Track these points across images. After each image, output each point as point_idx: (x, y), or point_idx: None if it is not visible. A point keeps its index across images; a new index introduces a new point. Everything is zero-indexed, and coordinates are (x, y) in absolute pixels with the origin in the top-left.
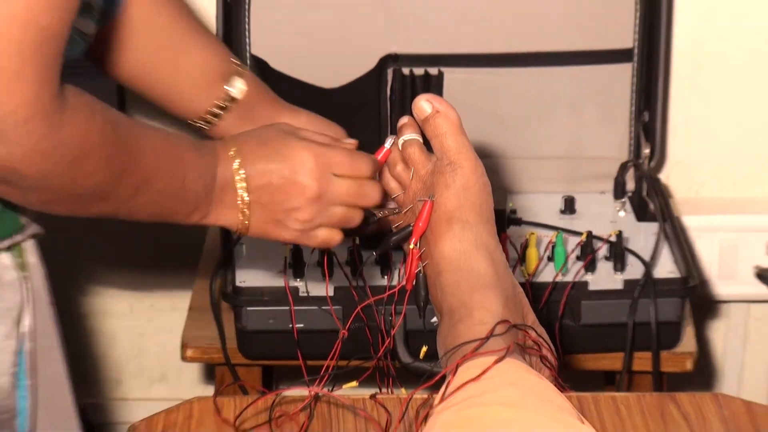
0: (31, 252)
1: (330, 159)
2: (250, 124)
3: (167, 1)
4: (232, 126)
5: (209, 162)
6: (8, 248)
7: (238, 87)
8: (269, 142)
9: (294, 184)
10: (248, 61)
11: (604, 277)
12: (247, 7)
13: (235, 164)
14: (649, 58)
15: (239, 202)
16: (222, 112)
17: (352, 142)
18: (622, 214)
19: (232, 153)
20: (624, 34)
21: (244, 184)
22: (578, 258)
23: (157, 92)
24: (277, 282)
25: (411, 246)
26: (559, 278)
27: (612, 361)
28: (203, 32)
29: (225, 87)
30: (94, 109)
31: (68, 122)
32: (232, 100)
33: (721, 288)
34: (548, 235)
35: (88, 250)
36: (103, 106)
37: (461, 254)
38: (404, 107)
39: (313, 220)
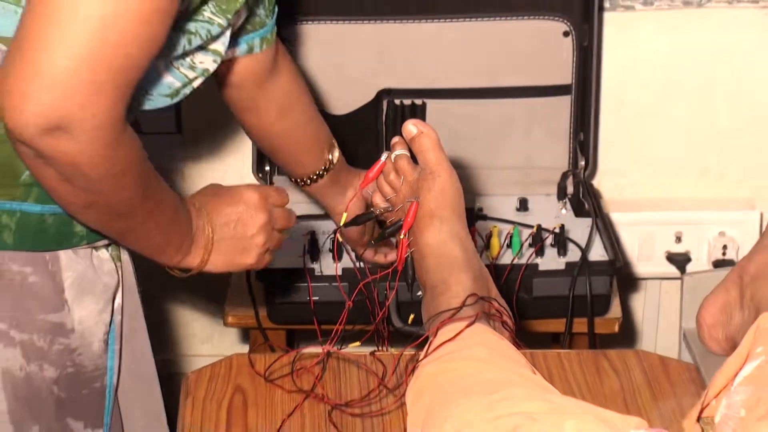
0: (123, 250)
1: (267, 193)
2: (337, 185)
3: (299, 74)
4: (326, 185)
5: (188, 213)
6: (107, 246)
7: (335, 155)
8: (219, 192)
9: (249, 216)
10: None
11: (550, 260)
12: None
13: (202, 213)
14: (583, 91)
15: (207, 241)
16: (324, 174)
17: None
18: (563, 211)
19: (197, 206)
20: (564, 73)
21: (209, 227)
22: (530, 245)
23: (275, 151)
24: (298, 264)
25: (401, 236)
26: (516, 261)
27: (557, 325)
28: (314, 105)
29: (328, 156)
30: (137, 142)
31: (123, 141)
32: (331, 165)
33: (640, 268)
34: (507, 228)
35: None
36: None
37: (440, 243)
38: (396, 129)
39: (266, 243)
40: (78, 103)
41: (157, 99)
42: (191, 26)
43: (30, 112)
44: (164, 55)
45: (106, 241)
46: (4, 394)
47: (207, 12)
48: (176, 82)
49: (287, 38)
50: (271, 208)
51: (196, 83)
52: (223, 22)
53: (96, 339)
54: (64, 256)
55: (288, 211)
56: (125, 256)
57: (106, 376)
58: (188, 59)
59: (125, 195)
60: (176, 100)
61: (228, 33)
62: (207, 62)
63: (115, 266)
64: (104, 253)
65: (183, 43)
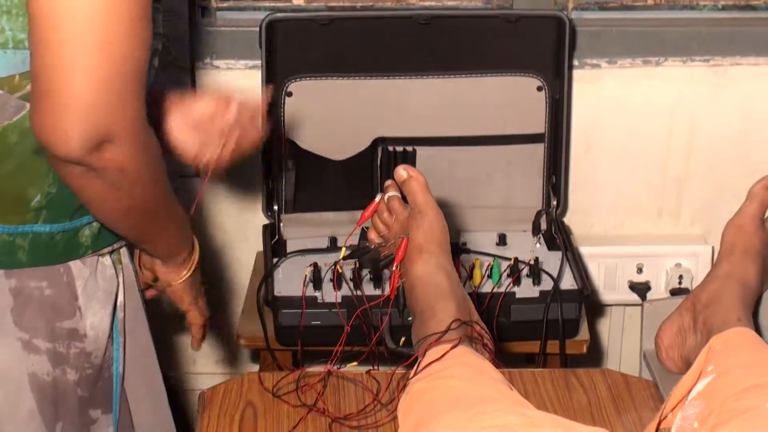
0: (124, 255)
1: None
2: None
3: None
4: None
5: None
6: (110, 253)
7: None
8: None
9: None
10: (284, 143)
11: (526, 289)
12: (282, 109)
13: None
14: (555, 139)
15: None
16: None
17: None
18: (538, 245)
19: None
20: (538, 123)
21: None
22: (508, 276)
23: None
24: (302, 292)
25: (394, 268)
26: (495, 290)
27: (532, 347)
28: None
29: None
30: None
31: (153, 141)
32: None
33: (605, 296)
34: (488, 260)
35: None
36: None
37: (428, 274)
38: (389, 173)
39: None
40: (111, 115)
41: None
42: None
43: (75, 140)
44: None
45: (109, 249)
46: (33, 395)
47: None
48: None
49: (294, 92)
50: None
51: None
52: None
53: (105, 336)
54: (74, 266)
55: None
56: (125, 260)
57: (113, 366)
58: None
59: (157, 193)
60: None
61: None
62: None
63: (116, 271)
64: (107, 260)
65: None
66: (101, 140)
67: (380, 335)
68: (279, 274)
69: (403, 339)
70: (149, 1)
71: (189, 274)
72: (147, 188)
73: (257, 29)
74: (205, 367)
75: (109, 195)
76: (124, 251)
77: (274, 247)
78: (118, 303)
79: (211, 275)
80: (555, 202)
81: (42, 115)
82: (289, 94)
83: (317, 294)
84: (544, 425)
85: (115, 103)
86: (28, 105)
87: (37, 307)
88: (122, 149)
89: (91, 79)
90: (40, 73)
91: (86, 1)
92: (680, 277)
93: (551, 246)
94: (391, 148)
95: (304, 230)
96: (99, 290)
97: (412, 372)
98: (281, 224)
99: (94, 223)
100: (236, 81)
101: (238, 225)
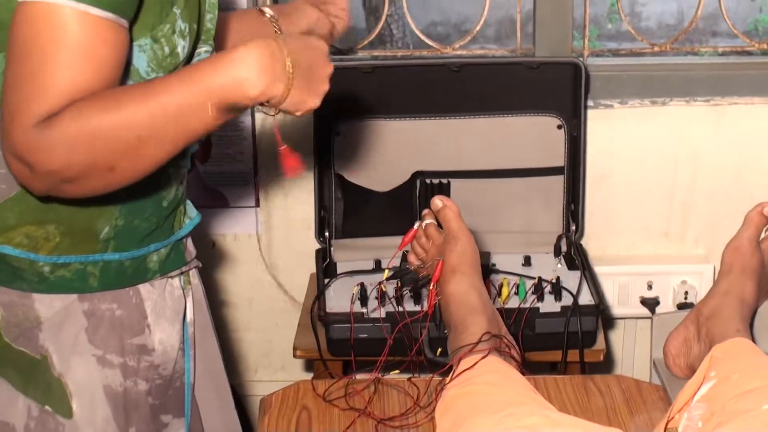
0: (194, 276)
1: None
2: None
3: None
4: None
5: (226, 59)
6: (180, 275)
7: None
8: (298, 37)
9: (321, 65)
10: (333, 179)
11: (549, 304)
12: (332, 147)
13: (282, 44)
14: (573, 171)
15: (288, 70)
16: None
17: None
18: (559, 266)
19: (280, 42)
20: (558, 157)
21: (290, 57)
22: (533, 293)
23: None
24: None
25: (431, 287)
26: (521, 305)
27: (554, 356)
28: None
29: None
30: (82, 106)
31: (54, 135)
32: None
33: (619, 310)
34: (514, 279)
35: (232, 290)
36: (96, 98)
37: (461, 292)
38: (426, 203)
39: (327, 77)
40: (12, 138)
41: None
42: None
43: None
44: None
45: (178, 271)
46: (108, 405)
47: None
48: None
49: (342, 132)
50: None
51: None
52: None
53: (174, 350)
54: (143, 288)
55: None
56: (195, 280)
57: (184, 376)
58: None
59: (123, 141)
60: None
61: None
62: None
63: (183, 291)
64: (176, 281)
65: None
66: (17, 160)
67: (420, 346)
68: (330, 293)
69: (439, 350)
70: (107, 43)
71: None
72: (108, 155)
73: None
74: (264, 376)
75: (76, 188)
76: (194, 272)
77: (326, 269)
78: (188, 320)
79: (270, 295)
80: (574, 227)
81: None
82: (338, 134)
83: (364, 310)
84: (565, 425)
85: (8, 126)
86: None
87: (108, 327)
88: (35, 161)
89: (11, 101)
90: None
91: (32, 29)
92: (686, 292)
93: (571, 266)
94: (428, 181)
95: (351, 254)
96: (167, 309)
97: (448, 379)
98: (331, 249)
99: (162, 250)
100: (290, 123)
101: (294, 250)
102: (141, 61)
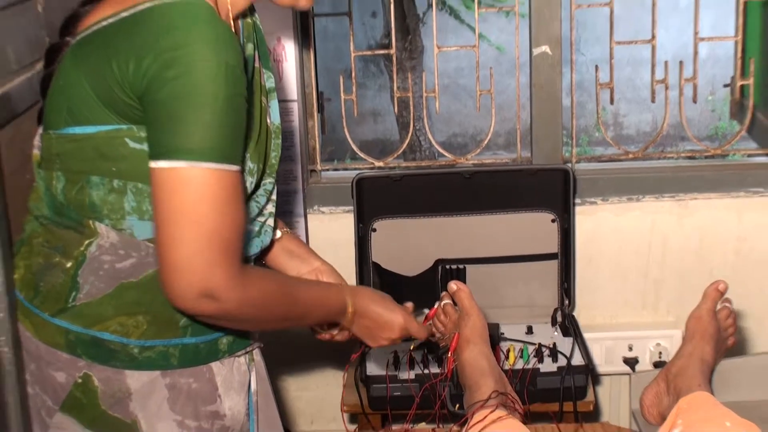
0: (257, 354)
1: (410, 328)
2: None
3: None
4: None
5: (343, 299)
6: (245, 354)
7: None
8: (378, 313)
9: (387, 331)
10: (371, 265)
11: (548, 365)
12: (369, 240)
13: (353, 309)
14: (566, 256)
15: (349, 323)
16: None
17: (409, 305)
18: (555, 333)
19: (354, 304)
20: (553, 245)
21: (354, 318)
22: (534, 356)
23: None
24: (385, 371)
25: (449, 355)
26: (525, 366)
27: (552, 407)
28: None
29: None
30: (266, 276)
31: (251, 284)
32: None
33: (605, 368)
34: (519, 345)
35: (294, 360)
36: (273, 273)
37: (473, 359)
38: (445, 286)
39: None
40: (204, 277)
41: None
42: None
43: (180, 295)
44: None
45: (243, 351)
46: None
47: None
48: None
49: (378, 228)
50: (405, 333)
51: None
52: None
53: (241, 415)
54: (215, 366)
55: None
56: (258, 357)
57: None
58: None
59: (274, 315)
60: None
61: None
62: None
63: (248, 367)
64: (242, 359)
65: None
66: (200, 295)
67: (442, 402)
68: (369, 359)
69: (457, 405)
70: (238, 187)
71: (357, 330)
72: (263, 321)
73: (350, 184)
74: (319, 426)
75: (231, 325)
76: (257, 351)
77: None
78: (252, 390)
79: (323, 361)
80: (567, 302)
81: (161, 274)
82: (374, 230)
83: (397, 373)
84: None
85: (207, 268)
86: None
87: (186, 397)
88: (220, 303)
89: (184, 247)
90: (156, 244)
91: (182, 190)
92: (660, 353)
93: (565, 333)
94: (447, 267)
95: None
96: (235, 382)
97: (464, 429)
98: None
99: (230, 335)
100: (336, 222)
101: None
102: None
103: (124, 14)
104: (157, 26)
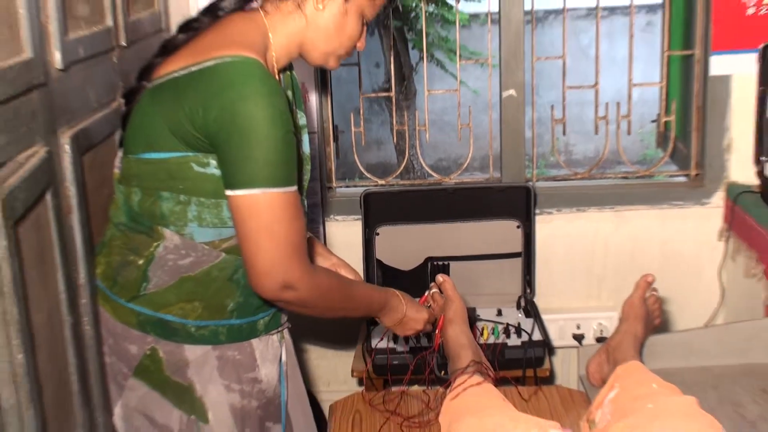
0: (286, 333)
1: (430, 320)
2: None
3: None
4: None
5: (389, 301)
6: (277, 332)
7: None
8: (416, 308)
9: (415, 323)
10: (375, 262)
11: (513, 340)
12: (374, 242)
13: (403, 305)
14: (528, 255)
15: (394, 323)
16: None
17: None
18: (520, 315)
19: (402, 305)
20: (517, 246)
21: (399, 317)
22: (503, 333)
23: None
24: (387, 345)
25: (437, 332)
26: (495, 341)
27: (517, 374)
28: None
29: None
30: (330, 273)
31: (319, 278)
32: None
33: (558, 342)
34: (491, 324)
35: (314, 337)
36: (335, 273)
37: (455, 336)
38: (433, 278)
39: (412, 332)
40: (283, 273)
41: None
42: None
43: (267, 289)
44: None
45: (276, 331)
46: (231, 416)
47: None
48: None
49: (381, 233)
50: (426, 325)
51: None
52: None
53: (274, 380)
54: (254, 342)
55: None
56: (287, 335)
57: (281, 396)
58: None
59: (336, 308)
60: None
61: None
62: None
63: (279, 343)
64: (275, 337)
65: None
66: (282, 287)
67: (431, 369)
68: (374, 334)
69: (443, 371)
70: (297, 202)
71: (389, 324)
72: (327, 309)
73: (359, 198)
74: (333, 387)
75: (302, 311)
76: (286, 331)
77: (371, 319)
78: (282, 360)
79: (338, 336)
80: (529, 290)
81: (250, 277)
82: (377, 234)
83: (396, 346)
84: (523, 420)
85: (284, 266)
86: (223, 254)
87: (231, 366)
88: (298, 291)
89: (266, 254)
90: (243, 250)
91: (257, 211)
92: (601, 330)
93: (527, 315)
94: (435, 263)
95: None
96: (269, 355)
97: (448, 391)
98: None
99: (266, 317)
100: (348, 228)
101: None
102: None
103: (193, 68)
104: (220, 80)
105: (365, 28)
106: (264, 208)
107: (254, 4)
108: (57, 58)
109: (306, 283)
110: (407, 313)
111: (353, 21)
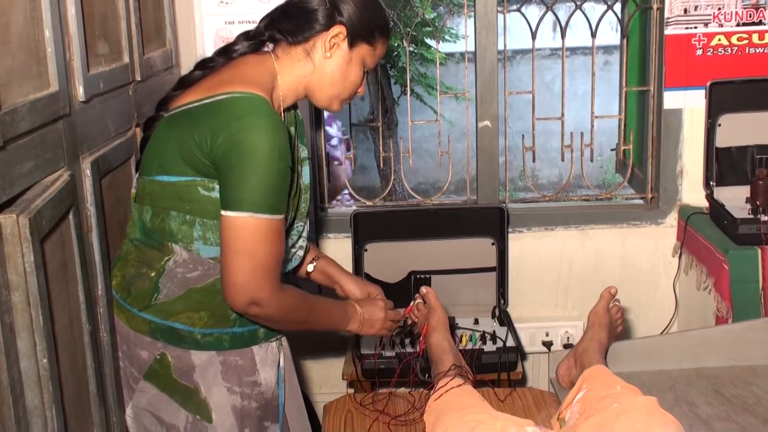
0: (284, 340)
1: (390, 316)
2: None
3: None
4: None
5: (347, 311)
6: (276, 340)
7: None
8: (373, 311)
9: (379, 321)
10: (364, 275)
11: (489, 347)
12: (363, 258)
13: (361, 313)
14: (501, 269)
15: (360, 324)
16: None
17: (390, 303)
18: (494, 324)
19: (359, 311)
20: (492, 261)
21: (362, 319)
22: (480, 340)
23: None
24: (373, 350)
25: (421, 339)
26: (473, 347)
27: (492, 377)
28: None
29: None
30: (295, 293)
31: (284, 295)
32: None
33: (529, 349)
34: (469, 332)
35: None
36: (301, 292)
37: (437, 342)
38: (417, 290)
39: (382, 330)
40: (254, 291)
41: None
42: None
43: (237, 303)
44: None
45: (275, 338)
46: (233, 416)
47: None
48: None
49: (369, 249)
50: (388, 323)
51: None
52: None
53: (273, 383)
54: (255, 348)
55: (394, 320)
56: (285, 342)
57: (279, 398)
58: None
59: (296, 318)
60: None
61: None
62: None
63: (278, 349)
64: (273, 344)
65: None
66: (251, 303)
67: (415, 372)
68: (362, 341)
69: (427, 375)
70: (281, 230)
71: (356, 330)
72: (292, 323)
73: (348, 217)
74: (325, 390)
75: (269, 325)
76: (284, 338)
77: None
78: (281, 365)
79: (331, 343)
80: (503, 301)
81: (225, 288)
82: (366, 250)
83: (383, 352)
84: (500, 419)
85: (256, 285)
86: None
87: (234, 370)
88: (265, 309)
89: (243, 271)
90: (223, 264)
91: (244, 232)
92: (568, 338)
93: (501, 324)
94: (418, 276)
95: None
96: (268, 360)
97: (432, 392)
98: None
99: (266, 327)
100: (339, 244)
101: None
102: None
103: (206, 101)
104: (228, 113)
105: (366, 75)
106: (251, 230)
107: (266, 49)
108: (80, 91)
109: (273, 302)
110: (364, 315)
111: (356, 68)
